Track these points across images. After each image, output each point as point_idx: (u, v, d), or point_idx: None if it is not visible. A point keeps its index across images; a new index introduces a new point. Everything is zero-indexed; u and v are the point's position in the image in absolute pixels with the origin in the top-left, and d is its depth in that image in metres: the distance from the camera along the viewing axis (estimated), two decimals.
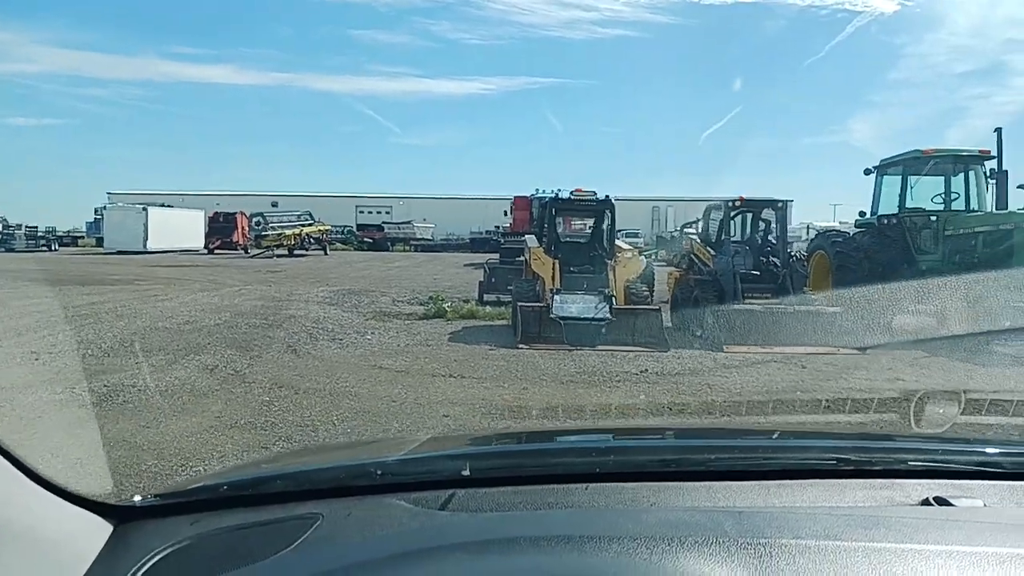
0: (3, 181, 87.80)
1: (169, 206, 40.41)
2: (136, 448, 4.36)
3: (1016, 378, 7.75)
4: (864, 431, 4.86)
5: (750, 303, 9.60)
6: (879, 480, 1.36)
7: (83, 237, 47.00)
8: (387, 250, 43.87)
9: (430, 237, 47.88)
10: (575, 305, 9.02)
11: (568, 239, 11.15)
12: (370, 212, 57.11)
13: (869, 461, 1.46)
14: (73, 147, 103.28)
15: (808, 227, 14.72)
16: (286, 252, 33.10)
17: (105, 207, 43.52)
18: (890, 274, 10.25)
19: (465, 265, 26.23)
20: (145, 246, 33.47)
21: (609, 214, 10.72)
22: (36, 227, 39.87)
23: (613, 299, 9.16)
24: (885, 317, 9.62)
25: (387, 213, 55.74)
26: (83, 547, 1.10)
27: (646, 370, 7.23)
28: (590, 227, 11.12)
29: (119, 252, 32.44)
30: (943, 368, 7.92)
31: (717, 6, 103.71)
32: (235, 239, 35.41)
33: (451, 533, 1.16)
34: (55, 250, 37.03)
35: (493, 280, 13.66)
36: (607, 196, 11.09)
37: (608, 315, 8.88)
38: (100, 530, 1.16)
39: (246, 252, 34.33)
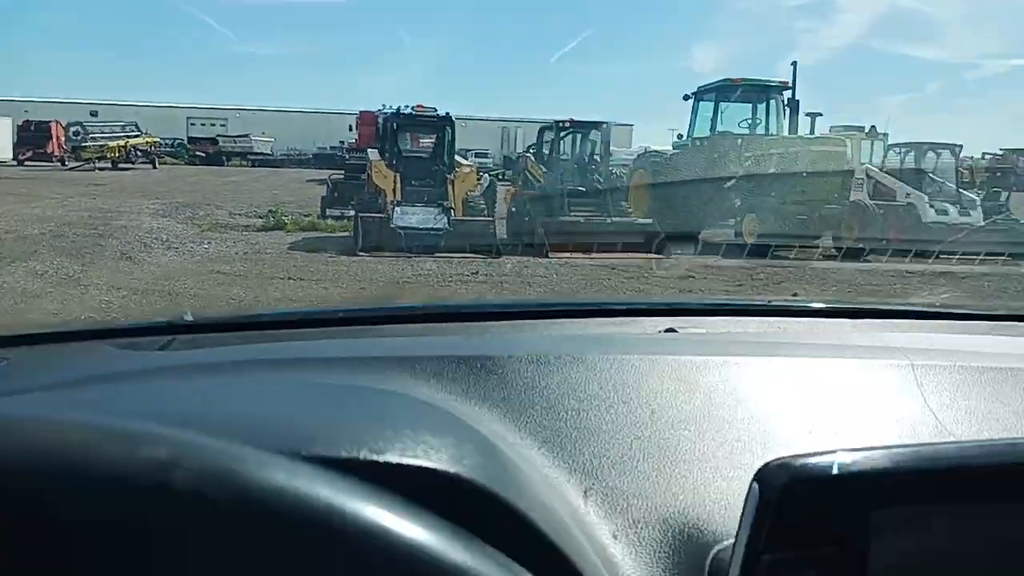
0: None
1: None
2: None
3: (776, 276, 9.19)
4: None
5: (575, 215, 10.55)
6: (619, 318, 1.47)
7: None
8: (222, 165, 41.70)
9: (269, 152, 45.95)
10: (415, 216, 9.57)
11: (410, 154, 11.56)
12: (203, 124, 53.64)
13: (613, 303, 1.62)
14: None
15: (646, 150, 15.83)
16: (109, 165, 30.78)
17: None
18: (699, 190, 11.57)
19: (308, 180, 25.71)
20: None
21: (449, 130, 11.24)
22: None
23: (452, 211, 9.78)
24: (690, 228, 10.92)
25: (222, 126, 52.59)
26: None
27: (476, 272, 7.98)
28: (432, 143, 11.58)
29: None
30: (730, 270, 9.23)
31: None
32: (49, 150, 32.34)
33: (164, 361, 1.07)
34: None
35: (336, 195, 13.83)
36: (447, 113, 11.58)
37: (446, 225, 9.51)
38: None
39: (63, 164, 31.57)
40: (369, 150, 13.33)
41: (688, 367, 1.06)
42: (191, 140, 47.59)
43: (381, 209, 9.92)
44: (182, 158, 42.99)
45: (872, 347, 1.18)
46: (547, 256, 9.34)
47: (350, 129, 31.66)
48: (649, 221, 10.63)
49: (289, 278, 7.13)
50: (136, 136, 33.13)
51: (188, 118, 53.90)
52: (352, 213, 10.99)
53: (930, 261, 9.91)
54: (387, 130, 12.08)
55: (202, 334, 1.22)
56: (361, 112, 29.26)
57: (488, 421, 0.84)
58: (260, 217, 12.22)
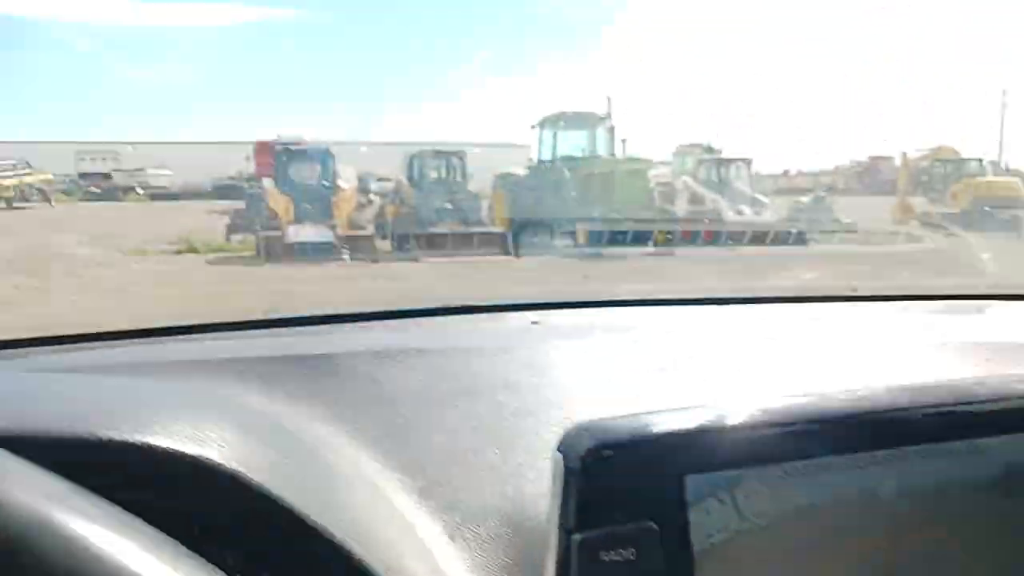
0: None
1: None
2: None
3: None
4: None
5: (441, 227, 13.33)
6: (487, 315, 1.55)
7: None
8: (118, 200, 42.50)
9: (167, 185, 46.95)
10: (306, 232, 12.10)
11: (300, 182, 14.08)
12: (94, 159, 53.81)
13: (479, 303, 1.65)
14: None
15: (504, 173, 18.84)
16: (4, 204, 31.60)
17: None
18: (544, 204, 14.52)
19: (210, 212, 27.54)
20: None
21: (330, 160, 13.90)
22: None
23: (336, 227, 12.35)
24: (532, 235, 13.85)
25: (115, 160, 53.04)
26: None
27: (353, 275, 10.54)
28: (318, 172, 14.17)
29: None
30: (565, 265, 12.07)
31: None
32: None
33: None
34: None
35: (239, 221, 16.12)
36: (327, 147, 14.25)
37: (332, 239, 12.07)
38: None
39: None
40: (265, 179, 15.79)
41: (542, 355, 1.10)
42: (82, 175, 47.82)
43: (277, 228, 12.39)
44: (75, 195, 43.47)
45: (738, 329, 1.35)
46: (417, 260, 12.01)
47: (247, 159, 33.59)
48: (500, 229, 13.51)
49: (200, 283, 9.52)
50: (29, 174, 33.97)
51: (77, 152, 53.89)
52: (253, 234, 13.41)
53: (723, 249, 13.11)
54: (279, 162, 14.58)
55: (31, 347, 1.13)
56: (257, 143, 31.40)
57: (312, 421, 0.80)
58: (171, 242, 14.34)
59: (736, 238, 13.67)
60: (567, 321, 1.50)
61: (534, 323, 1.39)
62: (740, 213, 15.44)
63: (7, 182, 32.08)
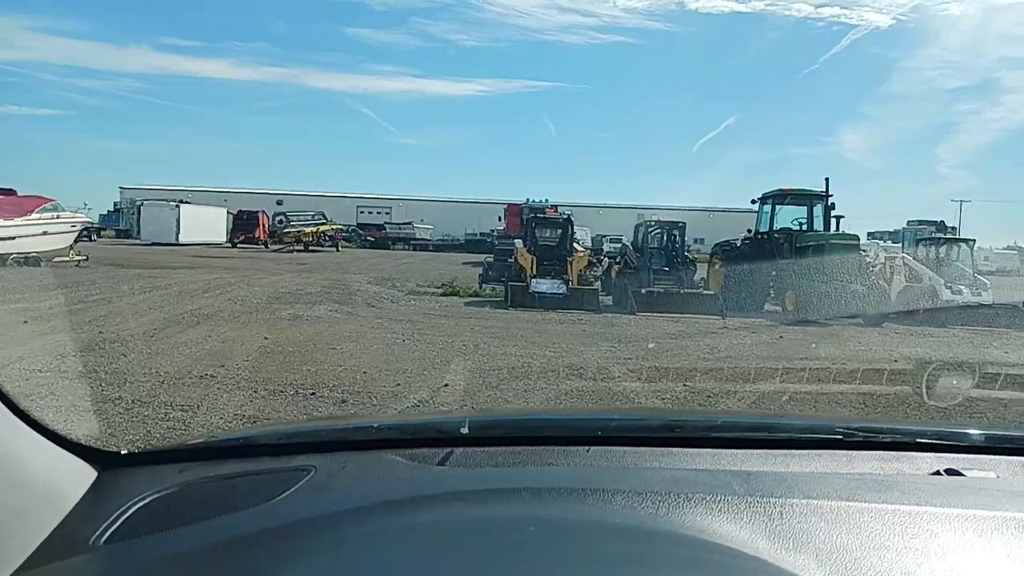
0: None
1: (188, 202, 46.01)
2: (325, 339, 10.08)
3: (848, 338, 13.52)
4: (875, 403, 5.46)
5: (657, 286, 15.49)
6: (888, 452, 1.40)
7: (104, 229, 52.32)
8: (388, 248, 49.48)
9: (428, 237, 53.66)
10: (544, 285, 14.86)
11: (543, 243, 17.00)
12: (370, 212, 62.82)
13: (876, 434, 1.50)
14: (70, 138, 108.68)
15: (726, 240, 20.49)
16: (302, 248, 38.78)
17: (123, 201, 49.31)
18: (759, 272, 16.13)
19: (463, 263, 31.99)
20: (177, 239, 39.01)
21: (569, 227, 16.68)
22: None
23: (569, 282, 15.00)
24: (743, 298, 15.49)
25: (387, 213, 61.59)
26: (66, 490, 1.13)
27: (582, 319, 13.01)
28: (558, 235, 17.03)
29: (153, 243, 37.91)
30: (793, 333, 13.68)
31: (715, 15, 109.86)
32: (257, 235, 41.13)
33: (448, 483, 1.19)
34: (94, 240, 42.44)
35: (490, 272, 19.49)
36: (568, 215, 17.07)
37: (565, 291, 14.71)
38: (85, 475, 1.20)
39: (266, 247, 40.01)
40: (515, 240, 19.01)
41: (973, 523, 0.98)
42: (360, 226, 56.23)
43: (522, 280, 15.31)
44: (354, 242, 51.35)
45: None
46: (634, 314, 14.25)
47: (499, 219, 38.25)
48: (712, 292, 15.37)
49: (470, 317, 12.50)
50: (323, 224, 41.33)
51: (358, 206, 63.39)
52: (502, 287, 16.49)
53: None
54: (528, 225, 17.67)
55: (476, 448, 1.35)
56: (509, 205, 35.97)
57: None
58: (439, 287, 17.92)
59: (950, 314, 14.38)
60: (999, 472, 1.33)
61: (953, 472, 1.27)
62: (958, 292, 15.85)
63: (308, 230, 39.49)
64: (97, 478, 1.20)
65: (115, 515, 1.08)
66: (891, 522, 0.99)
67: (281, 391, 6.04)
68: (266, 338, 8.96)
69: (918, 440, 1.46)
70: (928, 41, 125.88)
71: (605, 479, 1.18)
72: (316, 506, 1.09)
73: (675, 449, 1.36)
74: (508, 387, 6.55)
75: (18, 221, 20.69)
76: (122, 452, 1.30)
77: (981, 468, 1.30)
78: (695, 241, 33.40)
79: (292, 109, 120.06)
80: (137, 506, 1.12)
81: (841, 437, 1.43)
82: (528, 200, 34.27)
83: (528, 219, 18.50)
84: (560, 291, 14.70)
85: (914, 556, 0.91)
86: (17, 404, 1.10)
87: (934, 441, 1.46)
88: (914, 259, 17.39)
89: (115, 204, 55.08)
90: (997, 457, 1.40)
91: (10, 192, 42.72)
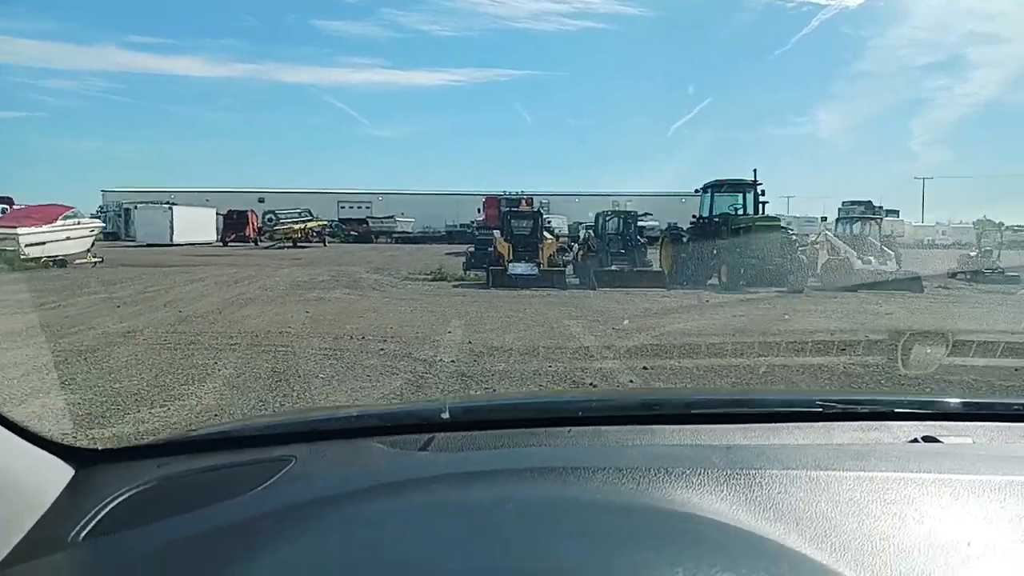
0: None
1: (175, 203, 48.67)
2: (350, 312, 13.21)
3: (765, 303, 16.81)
4: (851, 373, 5.78)
5: (615, 267, 18.77)
6: (866, 422, 1.48)
7: None
8: (371, 242, 52.41)
9: (410, 230, 56.71)
10: (520, 268, 18.07)
11: (518, 231, 20.20)
12: (352, 207, 65.62)
13: (855, 404, 1.58)
14: (40, 140, 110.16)
15: (670, 225, 23.92)
16: (290, 244, 41.70)
17: (106, 203, 52.01)
18: (701, 250, 19.42)
19: (446, 253, 35.09)
20: (171, 239, 41.79)
21: (540, 218, 19.96)
22: None
23: (540, 265, 18.23)
24: (689, 273, 18.80)
25: (368, 208, 64.48)
26: (43, 489, 1.16)
27: (550, 295, 16.21)
28: (531, 225, 20.26)
29: (148, 244, 40.62)
30: (737, 304, 16.96)
31: None
32: (247, 233, 44.02)
33: (429, 468, 1.22)
34: None
35: (473, 260, 22.69)
36: (538, 208, 20.32)
37: (537, 272, 17.93)
38: (62, 473, 1.23)
39: (256, 244, 42.92)
40: (494, 231, 22.20)
41: (951, 488, 1.02)
42: (343, 221, 59.05)
43: (501, 265, 18.51)
44: (338, 237, 54.24)
45: None
46: (594, 289, 17.49)
47: (478, 211, 41.50)
48: (660, 268, 18.69)
49: (458, 295, 15.67)
50: (310, 220, 44.28)
51: (339, 202, 66.16)
52: (483, 272, 19.68)
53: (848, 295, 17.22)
54: (504, 217, 20.92)
55: (457, 432, 1.40)
56: (487, 198, 39.27)
57: (769, 534, 0.91)
58: (428, 274, 21.03)
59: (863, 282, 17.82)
60: (975, 438, 1.38)
61: (929, 439, 1.32)
62: (867, 263, 19.29)
63: (296, 227, 42.42)
64: (74, 476, 1.23)
65: (93, 512, 1.11)
66: (869, 489, 1.03)
67: (339, 338, 9.17)
68: (306, 312, 12.08)
69: (895, 410, 1.54)
70: (897, 19, 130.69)
71: (586, 457, 1.22)
72: (296, 494, 1.11)
73: (655, 426, 1.42)
74: (492, 335, 9.72)
75: (46, 228, 23.55)
76: (99, 448, 1.34)
77: (958, 434, 1.36)
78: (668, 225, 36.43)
79: (265, 105, 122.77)
80: (116, 502, 1.14)
81: (820, 409, 1.50)
82: (505, 192, 37.67)
83: (504, 212, 21.84)
84: (533, 272, 17.93)
85: (892, 521, 0.95)
86: None
87: (911, 410, 1.53)
88: (835, 236, 20.83)
89: (100, 207, 57.46)
90: (973, 423, 1.47)
91: (7, 200, 45.41)
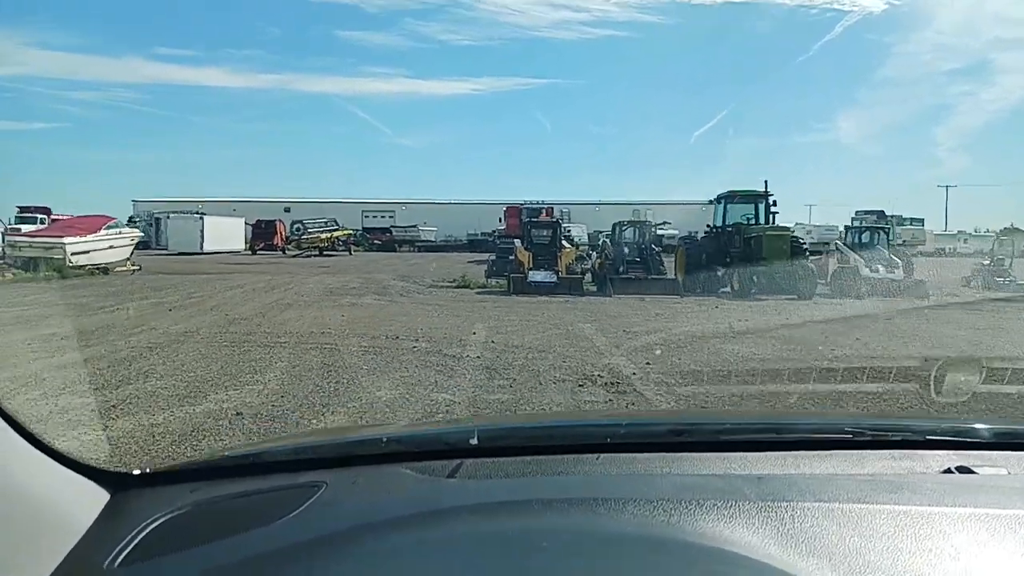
0: None
1: (204, 213, 50.32)
2: (383, 316, 14.34)
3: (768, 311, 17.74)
4: (883, 402, 5.79)
5: (631, 275, 19.78)
6: (898, 451, 1.45)
7: None
8: (394, 251, 53.72)
9: (433, 239, 57.99)
10: (539, 275, 19.14)
11: (537, 241, 21.28)
12: (375, 216, 67.11)
13: (886, 432, 1.57)
14: (66, 151, 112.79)
15: (690, 233, 24.87)
16: (317, 253, 43.09)
17: (137, 213, 53.81)
18: (714, 259, 20.38)
19: (468, 262, 36.23)
20: (201, 248, 43.35)
21: (558, 227, 21.03)
22: None
23: (559, 272, 19.29)
24: (702, 281, 19.76)
25: (391, 217, 65.91)
26: (78, 514, 1.18)
27: (567, 301, 17.25)
28: (549, 235, 21.33)
29: (180, 253, 42.18)
30: (743, 309, 17.92)
31: (707, 6, 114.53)
32: (275, 242, 45.51)
33: (459, 497, 1.24)
34: None
35: (495, 268, 23.80)
36: (558, 219, 21.38)
37: (555, 280, 18.98)
38: (96, 497, 1.24)
39: (283, 253, 44.34)
40: (515, 240, 23.31)
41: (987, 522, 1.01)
42: (367, 230, 60.47)
43: (521, 272, 19.59)
44: (362, 246, 55.65)
45: None
46: (610, 296, 18.50)
47: (500, 220, 42.69)
48: (674, 277, 19.68)
49: (481, 302, 16.75)
50: (336, 230, 45.68)
51: (363, 211, 67.64)
52: (504, 280, 20.78)
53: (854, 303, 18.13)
54: (524, 227, 22.04)
55: (486, 458, 1.41)
56: (507, 207, 40.44)
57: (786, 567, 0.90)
58: (452, 281, 22.15)
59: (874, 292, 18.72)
60: (1010, 468, 1.37)
61: (964, 470, 1.32)
62: (875, 271, 20.14)
63: (323, 236, 43.83)
64: (110, 500, 1.25)
65: (128, 538, 1.13)
66: (903, 523, 1.02)
67: (376, 338, 10.28)
68: (342, 316, 13.23)
69: (928, 438, 1.52)
70: (922, 24, 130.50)
71: (616, 488, 1.21)
72: (327, 524, 1.12)
73: (684, 454, 1.42)
74: (513, 336, 10.78)
75: (90, 237, 24.98)
76: (133, 472, 1.35)
77: (992, 464, 1.34)
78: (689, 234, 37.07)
79: (289, 115, 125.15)
80: (150, 528, 1.16)
81: (850, 436, 1.49)
82: (525, 203, 38.86)
83: (525, 222, 22.94)
84: (552, 280, 18.99)
85: (927, 557, 0.95)
86: (26, 428, 1.15)
87: (944, 438, 1.51)
88: (845, 244, 21.70)
89: (130, 217, 59.39)
90: (1008, 453, 1.45)
91: (45, 209, 47.28)
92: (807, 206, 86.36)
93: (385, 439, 1.54)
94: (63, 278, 21.76)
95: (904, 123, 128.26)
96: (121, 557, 1.09)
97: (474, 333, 10.94)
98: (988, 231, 75.47)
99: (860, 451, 1.45)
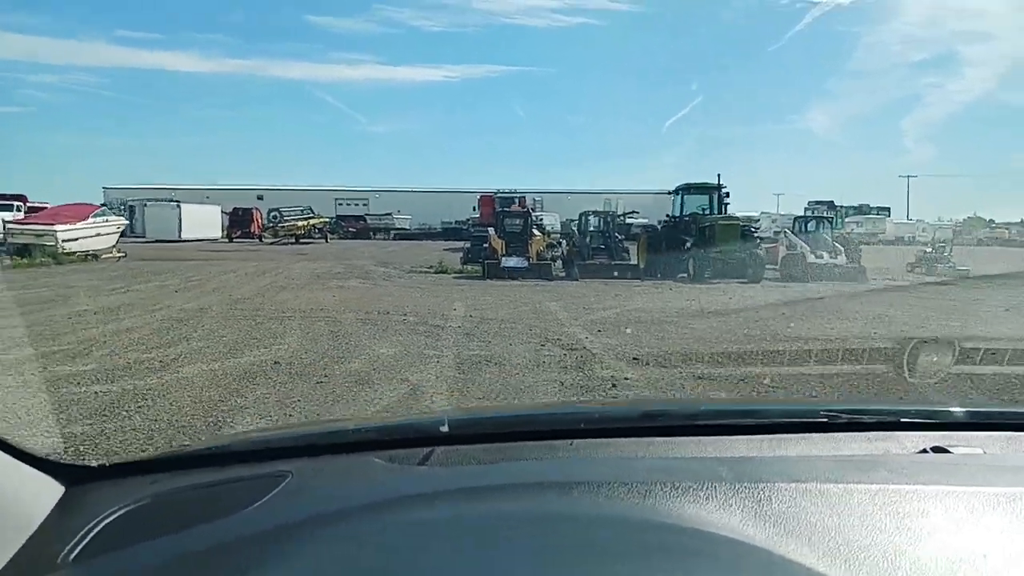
0: None
1: (178, 201, 51.41)
2: (370, 297, 16.10)
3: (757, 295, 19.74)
4: (856, 383, 5.99)
5: (596, 261, 21.73)
6: (873, 432, 1.49)
7: None
8: (369, 238, 55.22)
9: (407, 227, 59.61)
10: (512, 261, 20.99)
11: (510, 229, 23.11)
12: (349, 204, 68.45)
13: (861, 415, 1.60)
14: (30, 136, 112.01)
15: (660, 222, 26.79)
16: (293, 240, 44.51)
17: (109, 200, 54.83)
18: (672, 246, 22.36)
19: (444, 249, 37.92)
20: (179, 236, 44.56)
21: (530, 217, 22.91)
22: None
23: (529, 259, 21.16)
24: (661, 267, 21.72)
25: (364, 205, 67.34)
26: (31, 508, 1.16)
27: (537, 285, 19.10)
28: (521, 223, 23.19)
29: (157, 240, 43.38)
30: (693, 291, 19.88)
31: None
32: (252, 230, 46.85)
33: (429, 483, 1.22)
34: None
35: (470, 255, 25.63)
36: (528, 209, 23.29)
37: (527, 265, 20.85)
38: (52, 491, 1.23)
39: (260, 240, 45.72)
40: (489, 228, 25.13)
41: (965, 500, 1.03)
42: (340, 218, 61.79)
43: (495, 259, 21.43)
44: (337, 234, 57.00)
45: None
46: (576, 280, 20.40)
47: (474, 209, 44.54)
48: (635, 262, 21.66)
49: (457, 285, 18.55)
50: (312, 217, 47.14)
51: (336, 199, 68.96)
52: (479, 263, 22.62)
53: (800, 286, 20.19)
54: (498, 216, 23.90)
55: (457, 446, 1.41)
56: (481, 196, 42.33)
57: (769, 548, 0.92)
58: (430, 267, 23.90)
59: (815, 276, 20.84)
60: (986, 448, 1.41)
61: (939, 450, 1.35)
62: (819, 257, 22.27)
63: (300, 223, 45.26)
64: (64, 493, 1.23)
65: (84, 531, 1.11)
66: (880, 502, 1.04)
67: (368, 313, 12.05)
68: (334, 296, 14.97)
69: (902, 420, 1.55)
70: (889, 16, 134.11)
71: (589, 471, 1.22)
72: (292, 512, 1.10)
73: (659, 438, 1.42)
74: (488, 311, 12.59)
75: (80, 225, 26.37)
76: (91, 465, 1.33)
77: (967, 445, 1.38)
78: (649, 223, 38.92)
79: (259, 101, 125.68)
80: (107, 520, 1.14)
81: (825, 420, 1.50)
82: (498, 192, 40.79)
83: (498, 212, 24.89)
84: (523, 265, 20.87)
85: (905, 535, 0.96)
86: None
87: (919, 420, 1.55)
88: (793, 233, 23.83)
89: (102, 204, 60.21)
90: (983, 433, 1.48)
91: (21, 197, 48.21)
92: (775, 195, 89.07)
93: (353, 428, 1.53)
94: (58, 264, 23.21)
95: (872, 113, 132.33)
96: (77, 550, 1.08)
97: (454, 309, 12.78)
98: (950, 220, 78.85)
99: (835, 434, 1.48)
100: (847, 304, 15.13)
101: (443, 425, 1.44)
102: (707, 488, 1.07)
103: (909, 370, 5.43)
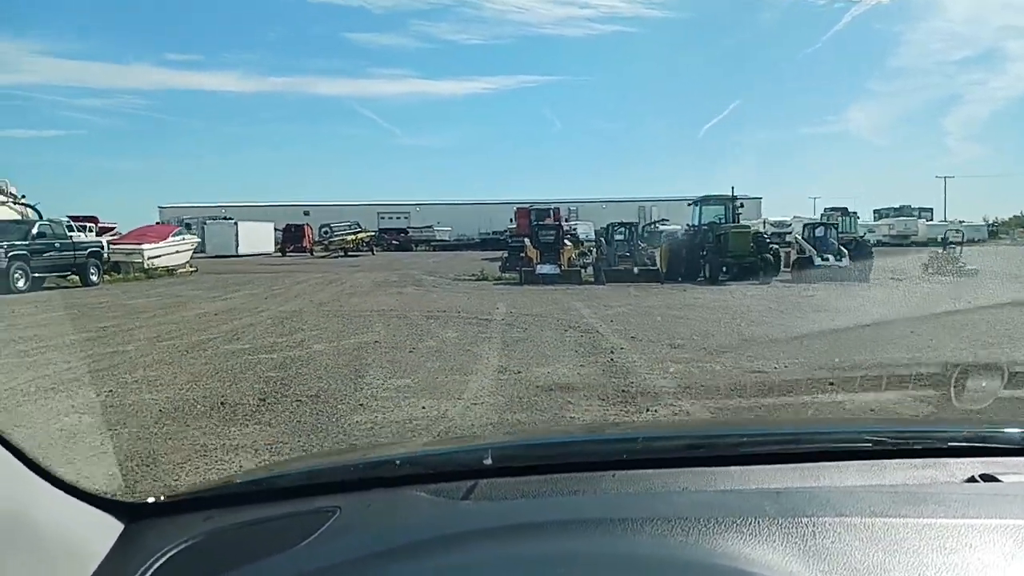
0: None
1: (231, 218, 55.63)
2: (425, 301, 19.42)
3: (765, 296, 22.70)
4: (903, 411, 5.98)
5: (621, 267, 24.86)
6: (920, 460, 1.47)
7: None
8: (411, 250, 58.90)
9: (447, 238, 63.26)
10: (545, 268, 24.22)
11: (544, 239, 26.30)
12: (390, 217, 72.39)
13: (907, 441, 1.59)
14: (78, 158, 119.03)
15: (682, 229, 29.71)
16: (342, 254, 48.36)
17: (164, 219, 59.43)
18: (691, 253, 25.37)
19: (483, 259, 41.23)
20: (236, 251, 48.69)
21: (562, 227, 26.24)
22: None
23: (561, 266, 24.37)
24: (681, 271, 24.72)
25: (406, 218, 71.27)
26: (92, 546, 1.21)
27: (567, 289, 22.25)
28: (554, 234, 26.37)
29: (217, 256, 47.42)
30: (703, 291, 22.86)
31: None
32: (304, 244, 50.86)
33: (474, 520, 1.27)
34: None
35: (508, 263, 28.95)
36: (560, 222, 26.57)
37: (558, 272, 24.06)
38: (110, 528, 1.29)
39: (311, 254, 49.68)
40: (524, 238, 28.48)
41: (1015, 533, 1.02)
42: (383, 231, 65.70)
43: (530, 266, 24.66)
44: (381, 246, 60.85)
45: None
46: (603, 284, 23.50)
47: (511, 220, 48.03)
48: (659, 268, 24.76)
49: (499, 290, 21.80)
50: (360, 232, 51.04)
51: (378, 213, 73.04)
52: (515, 273, 25.89)
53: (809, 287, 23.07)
54: (532, 227, 27.26)
55: (500, 479, 1.46)
56: (517, 208, 45.91)
57: None
58: (472, 275, 27.20)
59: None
60: None
61: (988, 478, 1.34)
62: (826, 260, 25.12)
63: (349, 237, 49.10)
64: (123, 531, 1.29)
65: (143, 569, 1.16)
66: (928, 537, 1.03)
67: (429, 312, 15.33)
68: (397, 300, 18.32)
69: (950, 444, 1.53)
70: (930, 13, 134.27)
71: (633, 507, 1.24)
72: (342, 551, 1.16)
73: (701, 469, 1.44)
74: (524, 309, 15.78)
75: (162, 244, 30.29)
76: (147, 501, 1.40)
77: (1017, 471, 1.36)
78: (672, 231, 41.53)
79: (298, 118, 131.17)
80: (164, 558, 1.20)
81: (871, 446, 1.52)
82: (534, 204, 44.55)
83: (532, 224, 28.31)
84: (555, 272, 24.10)
85: (953, 572, 0.95)
86: (35, 461, 1.18)
87: (966, 444, 1.53)
88: (804, 238, 26.72)
89: (158, 223, 64.97)
90: None
91: (92, 219, 53.04)
92: (812, 199, 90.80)
93: (398, 461, 1.59)
94: (149, 278, 27.06)
95: (914, 113, 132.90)
96: None
97: (497, 308, 16.05)
98: (994, 220, 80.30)
99: (881, 461, 1.48)
100: (834, 300, 18.06)
101: (486, 458, 1.50)
102: (751, 524, 1.09)
103: (956, 396, 5.65)
